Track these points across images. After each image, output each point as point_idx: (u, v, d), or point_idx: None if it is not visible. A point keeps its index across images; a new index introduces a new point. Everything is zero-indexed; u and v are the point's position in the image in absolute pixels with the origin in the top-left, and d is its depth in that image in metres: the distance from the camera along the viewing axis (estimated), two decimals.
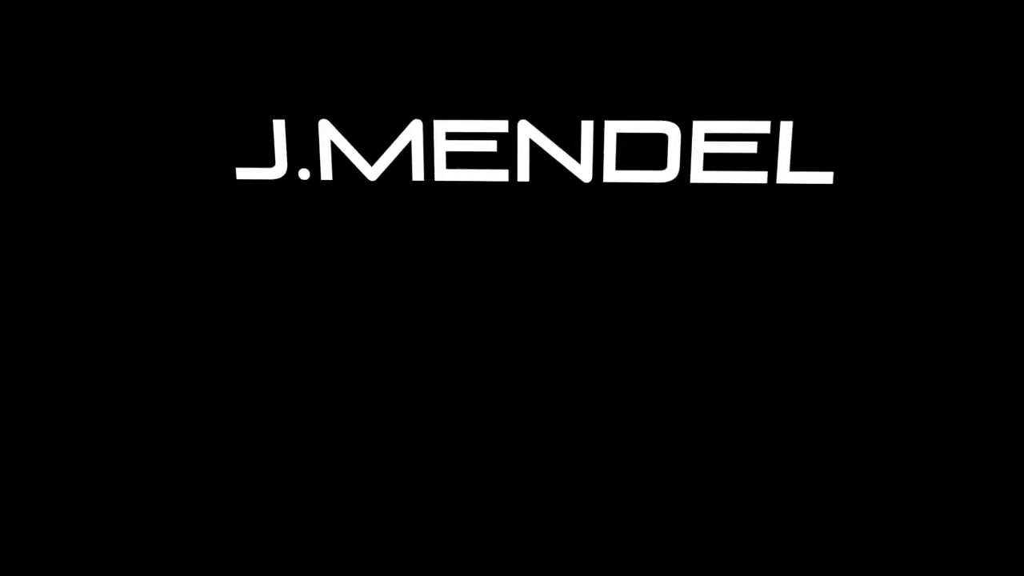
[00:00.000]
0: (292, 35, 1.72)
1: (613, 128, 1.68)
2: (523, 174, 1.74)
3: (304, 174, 1.79)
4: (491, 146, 1.73)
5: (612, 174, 1.71)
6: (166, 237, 1.86)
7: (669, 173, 1.70)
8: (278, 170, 1.79)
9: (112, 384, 1.94)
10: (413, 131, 1.74)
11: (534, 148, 1.72)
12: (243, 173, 1.80)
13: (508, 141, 1.72)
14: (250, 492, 1.96)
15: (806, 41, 1.60)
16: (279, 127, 1.76)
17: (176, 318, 1.91)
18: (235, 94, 1.76)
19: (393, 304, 1.86)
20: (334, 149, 1.77)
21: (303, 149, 1.77)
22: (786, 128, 1.63)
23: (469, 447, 1.90)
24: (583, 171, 1.72)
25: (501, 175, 1.74)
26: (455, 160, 1.74)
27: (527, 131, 1.72)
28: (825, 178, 1.66)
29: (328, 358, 1.90)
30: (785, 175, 1.66)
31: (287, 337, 1.90)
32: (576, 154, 1.71)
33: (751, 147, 1.66)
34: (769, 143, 1.65)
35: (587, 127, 1.69)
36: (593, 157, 1.71)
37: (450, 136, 1.73)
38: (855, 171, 1.65)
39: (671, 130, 1.67)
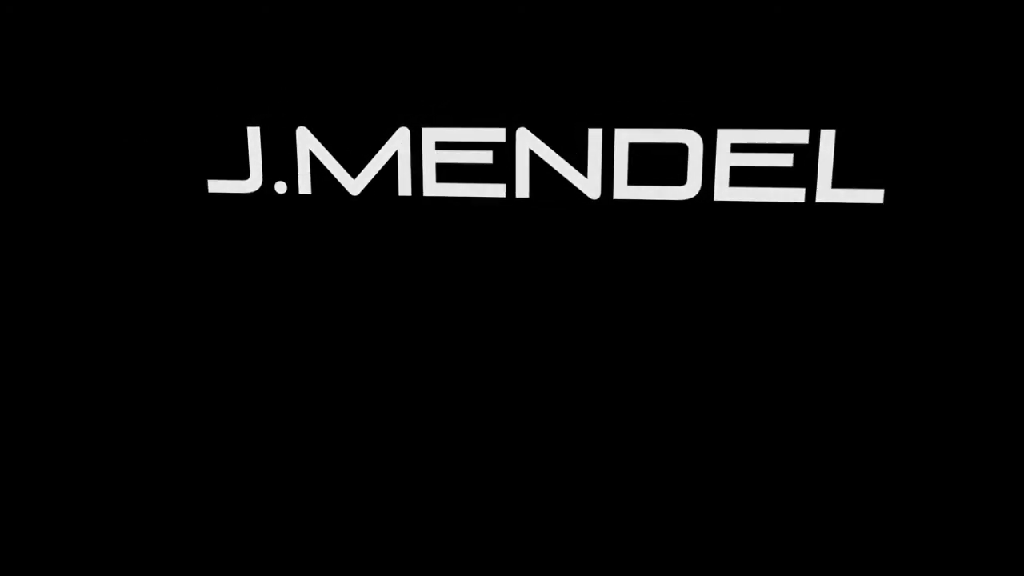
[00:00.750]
0: (267, 34, 1.68)
1: (625, 137, 1.62)
2: (522, 189, 1.68)
3: (281, 187, 1.77)
4: (486, 157, 1.68)
5: (623, 190, 1.65)
6: (131, 254, 1.84)
7: (689, 189, 1.62)
8: (252, 183, 1.78)
9: (83, 397, 1.93)
10: (399, 140, 1.71)
11: (535, 160, 1.67)
12: (215, 186, 1.80)
13: (505, 152, 1.67)
14: (211, 510, 1.91)
15: (850, 36, 1.49)
16: (253, 135, 1.75)
17: (144, 339, 1.88)
18: (205, 99, 1.74)
19: (376, 330, 1.80)
20: (313, 160, 1.75)
21: (279, 159, 1.76)
22: (827, 137, 1.55)
23: (468, 481, 1.82)
24: (590, 186, 1.66)
25: (498, 190, 1.69)
26: (446, 173, 1.71)
27: (526, 140, 1.66)
28: (874, 196, 1.57)
29: (305, 385, 1.85)
30: (826, 193, 1.58)
31: (263, 363, 1.85)
32: (582, 167, 1.65)
33: (786, 159, 1.58)
34: (808, 155, 1.56)
35: (595, 136, 1.63)
36: (602, 170, 1.65)
37: (440, 146, 1.70)
38: (909, 188, 1.55)
39: (692, 140, 1.60)
